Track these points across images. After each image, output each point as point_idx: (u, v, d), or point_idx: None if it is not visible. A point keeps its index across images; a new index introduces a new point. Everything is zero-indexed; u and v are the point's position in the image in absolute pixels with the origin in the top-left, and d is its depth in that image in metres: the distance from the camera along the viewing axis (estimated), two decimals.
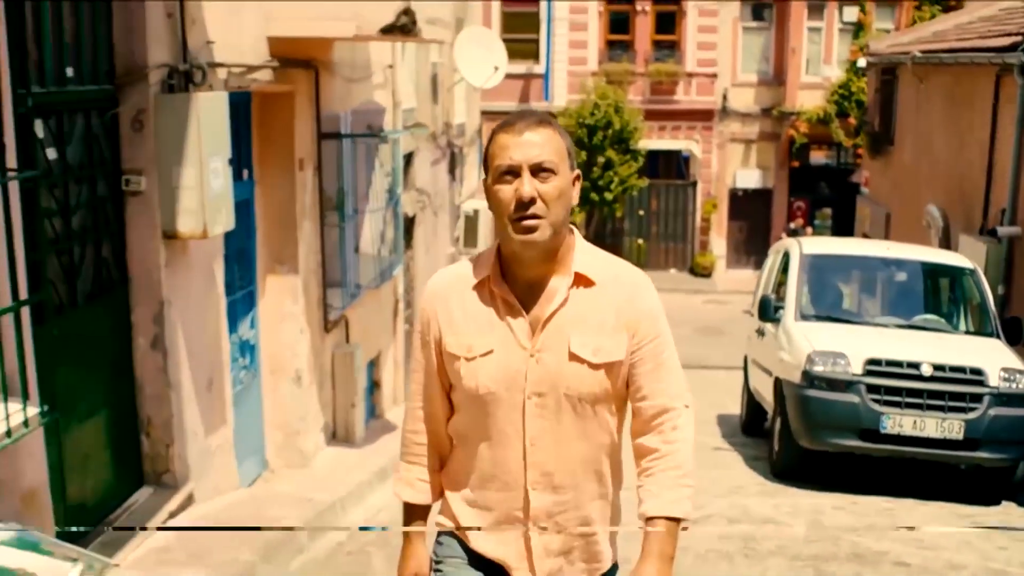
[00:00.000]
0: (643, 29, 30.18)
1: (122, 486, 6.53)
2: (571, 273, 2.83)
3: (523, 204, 2.72)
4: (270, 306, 9.14)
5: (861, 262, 10.69)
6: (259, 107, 8.80)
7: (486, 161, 2.82)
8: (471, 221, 17.80)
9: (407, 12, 8.29)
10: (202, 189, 6.48)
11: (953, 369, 8.71)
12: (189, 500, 6.92)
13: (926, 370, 8.67)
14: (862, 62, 21.92)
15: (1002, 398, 8.62)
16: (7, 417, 4.71)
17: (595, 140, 27.89)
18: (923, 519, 8.12)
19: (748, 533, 7.00)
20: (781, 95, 29.95)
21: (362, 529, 7.68)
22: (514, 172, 2.73)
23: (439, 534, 3.04)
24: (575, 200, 2.83)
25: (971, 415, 8.59)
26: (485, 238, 17.50)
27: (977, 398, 8.62)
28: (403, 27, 8.34)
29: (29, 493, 5.12)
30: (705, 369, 16.23)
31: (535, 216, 2.73)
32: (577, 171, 2.84)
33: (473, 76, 15.54)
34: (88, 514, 6.07)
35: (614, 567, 3.03)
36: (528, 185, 2.72)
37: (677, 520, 2.80)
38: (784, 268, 10.54)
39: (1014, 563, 6.92)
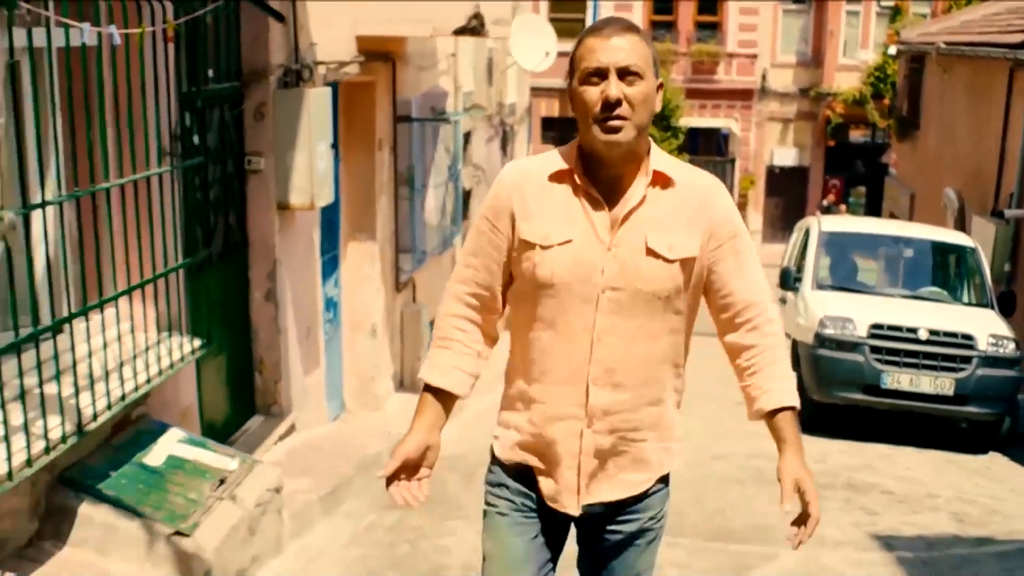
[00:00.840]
0: (686, 10, 31.22)
1: (240, 413, 7.88)
2: (650, 173, 2.89)
3: (609, 105, 2.76)
4: (351, 268, 10.46)
5: (874, 239, 11.96)
6: (345, 95, 10.09)
7: (572, 63, 2.86)
8: None
9: (477, 16, 9.58)
10: (311, 169, 7.80)
11: (946, 334, 9.97)
12: (291, 428, 8.28)
13: (923, 334, 9.94)
14: (892, 50, 22.94)
15: (989, 360, 9.87)
16: (170, 352, 6.06)
17: None
18: (916, 463, 9.38)
19: (760, 466, 8.30)
20: (819, 76, 30.96)
21: None
22: (601, 74, 2.77)
23: (492, 458, 3.09)
24: (658, 106, 2.88)
25: (961, 374, 9.86)
26: None
27: (967, 360, 9.88)
28: (473, 29, 9.64)
29: (184, 410, 6.48)
30: None
31: (620, 117, 2.77)
32: (661, 79, 2.89)
33: (526, 60, 16.76)
34: (217, 433, 7.44)
35: (665, 477, 3.08)
36: (615, 87, 2.76)
37: (793, 408, 2.96)
38: (805, 243, 11.80)
39: (984, 495, 8.19)
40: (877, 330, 10.01)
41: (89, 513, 4.97)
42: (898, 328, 10.00)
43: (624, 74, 2.75)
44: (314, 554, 6.02)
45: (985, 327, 10.19)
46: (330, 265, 9.98)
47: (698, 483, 7.66)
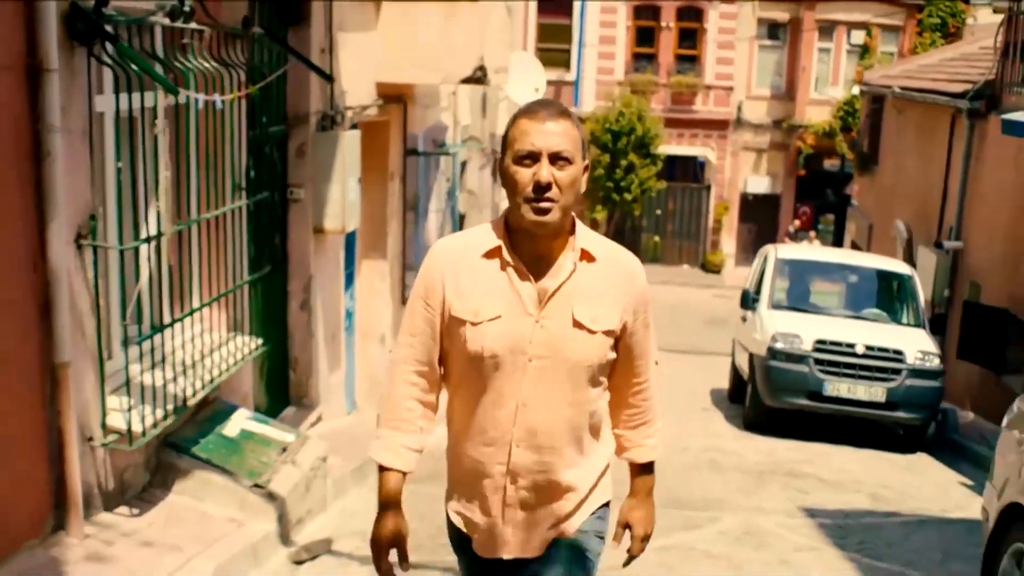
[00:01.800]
0: (667, 43, 32.81)
1: (279, 403, 9.34)
2: (577, 249, 3.05)
3: (540, 188, 2.90)
4: (364, 284, 11.94)
5: (823, 266, 13.58)
6: (364, 133, 11.51)
7: (505, 142, 3.00)
8: None
9: (481, 68, 11.12)
10: (343, 199, 9.31)
11: (880, 349, 11.55)
12: (319, 418, 9.74)
13: (860, 349, 11.52)
14: (856, 90, 24.61)
15: (916, 372, 11.45)
16: (239, 348, 7.53)
17: (619, 144, 30.48)
18: (851, 459, 10.92)
19: (713, 457, 9.83)
20: (791, 109, 32.58)
21: None
22: (534, 157, 2.91)
23: (448, 513, 3.31)
24: (584, 187, 3.03)
25: (891, 384, 11.43)
26: None
27: (897, 372, 11.45)
28: (478, 79, 11.18)
29: (244, 396, 7.95)
30: (709, 355, 18.91)
31: (550, 200, 2.91)
32: (587, 161, 3.04)
33: (518, 95, 18.36)
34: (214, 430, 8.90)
35: (601, 525, 3.28)
36: (546, 171, 2.90)
37: (652, 463, 3.31)
38: (763, 269, 13.36)
39: (903, 484, 9.74)
40: (821, 345, 11.58)
41: (188, 468, 6.45)
42: (838, 343, 11.58)
43: (555, 159, 2.90)
44: (350, 513, 7.49)
45: (915, 344, 11.77)
46: (347, 281, 11.46)
47: (663, 468, 9.13)
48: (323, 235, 9.47)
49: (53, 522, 5.36)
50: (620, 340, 3.11)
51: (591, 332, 3.02)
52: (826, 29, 32.10)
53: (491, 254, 3.04)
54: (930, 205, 16.69)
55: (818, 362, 11.54)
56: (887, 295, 13.28)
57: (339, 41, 9.58)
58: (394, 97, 11.74)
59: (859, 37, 32.07)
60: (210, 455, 6.60)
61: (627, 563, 3.29)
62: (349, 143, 9.38)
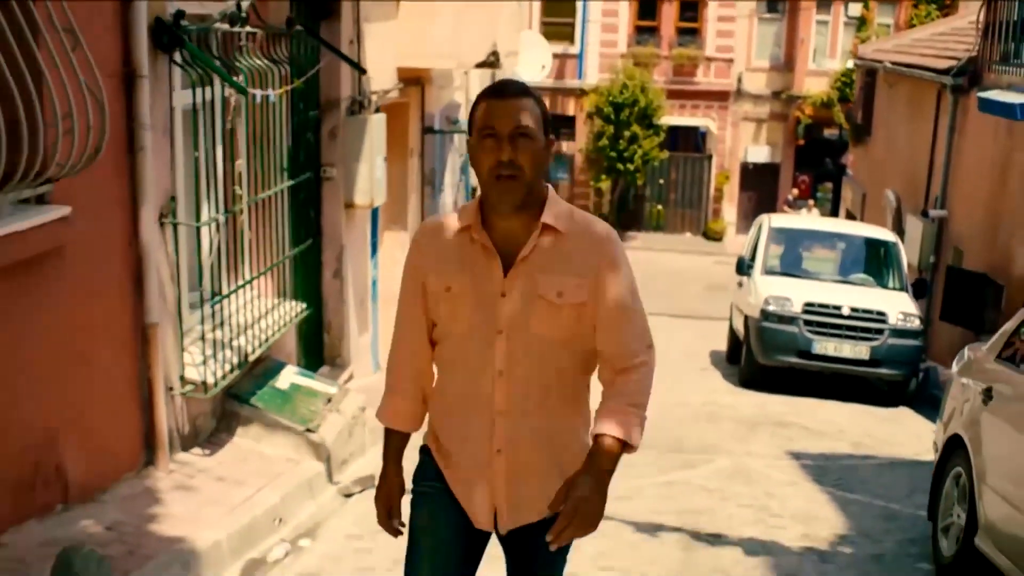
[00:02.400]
0: (668, 16, 33.57)
1: (315, 363, 10.28)
2: (540, 224, 3.10)
3: (501, 164, 2.98)
4: (386, 254, 12.86)
5: (814, 234, 14.53)
6: (386, 114, 12.51)
7: (471, 121, 3.09)
8: None
9: (494, 53, 12.01)
10: (371, 176, 10.22)
11: (864, 311, 12.50)
12: (351, 376, 10.70)
13: (845, 311, 12.48)
14: (850, 63, 25.43)
15: (897, 332, 12.41)
16: (286, 312, 8.46)
17: (622, 116, 31.27)
18: (837, 412, 11.88)
19: (710, 411, 10.80)
20: (790, 80, 33.36)
21: None
22: (495, 135, 2.98)
23: (421, 456, 3.34)
24: (549, 161, 3.09)
25: (875, 343, 12.39)
26: None
27: (879, 331, 12.41)
28: (490, 63, 12.06)
29: (288, 354, 8.91)
30: (709, 320, 19.83)
31: (512, 176, 2.98)
32: (552, 137, 3.10)
33: (526, 72, 19.25)
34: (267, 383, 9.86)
35: None
36: (507, 147, 2.97)
37: (621, 442, 3.01)
38: (758, 237, 14.29)
39: (883, 433, 10.70)
40: (809, 307, 12.53)
41: (249, 416, 7.41)
42: (826, 305, 12.54)
43: (515, 135, 2.97)
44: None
45: (897, 306, 12.73)
46: (371, 251, 12.40)
47: (665, 420, 10.12)
48: (353, 210, 10.38)
49: (144, 459, 6.32)
50: (597, 315, 3.12)
51: (556, 306, 3.08)
52: (824, 2, 32.83)
53: (463, 231, 3.15)
54: (918, 176, 17.58)
55: (807, 323, 12.50)
56: (873, 261, 14.21)
57: (365, 32, 10.47)
58: (413, 80, 12.63)
59: (856, 9, 32.83)
60: (266, 405, 7.56)
61: (550, 536, 2.98)
62: (376, 126, 10.29)
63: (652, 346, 3.16)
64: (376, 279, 12.65)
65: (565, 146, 33.32)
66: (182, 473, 6.45)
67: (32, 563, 4.77)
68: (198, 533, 5.58)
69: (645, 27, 33.68)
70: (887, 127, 20.80)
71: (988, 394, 5.65)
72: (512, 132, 2.98)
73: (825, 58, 32.97)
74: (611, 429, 3.01)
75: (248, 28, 7.27)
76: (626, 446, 3.02)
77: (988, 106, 12.27)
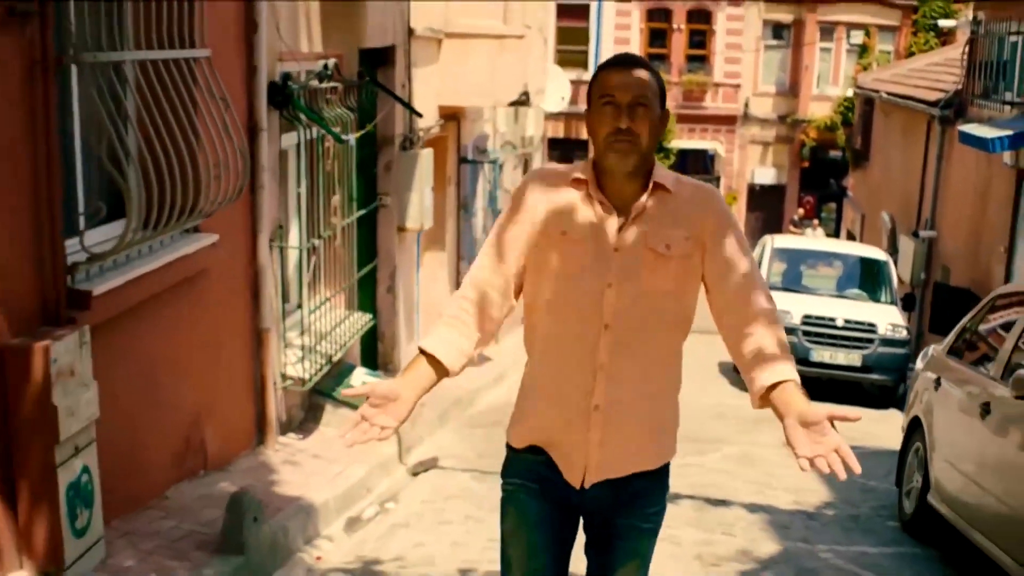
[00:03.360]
0: (678, 44, 35.02)
1: (370, 368, 11.75)
2: (651, 184, 3.19)
3: (619, 131, 3.09)
4: (427, 271, 14.29)
5: (813, 253, 15.97)
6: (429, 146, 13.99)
7: (590, 92, 3.19)
8: None
9: (525, 93, 13.47)
10: (421, 204, 11.67)
11: (856, 322, 13.94)
12: None
13: (840, 322, 13.91)
14: (850, 92, 26.89)
15: (886, 341, 13.83)
16: (356, 322, 9.90)
17: None
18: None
19: (721, 411, 12.21)
20: (795, 105, 34.79)
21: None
22: (614, 104, 3.09)
23: (506, 458, 3.39)
24: (662, 133, 3.19)
25: (866, 351, 13.81)
26: None
27: (870, 341, 13.84)
28: (522, 102, 13.53)
29: (354, 358, 10.36)
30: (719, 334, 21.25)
31: (629, 141, 3.09)
32: (667, 110, 3.21)
33: (548, 104, 20.74)
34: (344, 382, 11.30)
35: (663, 473, 3.38)
36: (625, 116, 3.08)
37: (790, 381, 3.11)
38: (762, 255, 15.73)
39: (871, 430, 12.11)
40: (807, 319, 13.96)
41: (331, 408, 8.84)
42: (822, 318, 13.97)
43: (634, 104, 3.08)
44: (442, 444, 9.87)
45: (886, 318, 14.16)
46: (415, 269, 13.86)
47: (681, 417, 11.55)
48: (404, 233, 11.84)
49: (256, 440, 7.77)
50: (708, 262, 3.20)
51: (665, 258, 3.16)
52: (827, 30, 34.25)
53: (578, 186, 3.23)
54: (910, 199, 19.02)
55: (805, 333, 13.92)
56: (866, 278, 15.64)
57: (413, 75, 11.95)
58: (450, 115, 14.10)
59: (858, 37, 34.24)
60: (346, 399, 9.00)
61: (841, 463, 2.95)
62: (425, 160, 11.75)
63: (772, 297, 3.26)
64: (419, 294, 14.10)
65: None
66: (285, 452, 7.88)
67: (193, 510, 6.20)
68: (310, 495, 7.01)
69: (656, 54, 35.05)
70: (883, 153, 22.24)
71: (938, 382, 7.06)
72: (631, 101, 3.09)
73: (828, 84, 34.41)
74: (785, 374, 3.12)
75: (332, 84, 8.75)
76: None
77: (966, 139, 13.70)
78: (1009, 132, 12.73)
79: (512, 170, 20.36)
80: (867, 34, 34.00)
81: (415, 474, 8.80)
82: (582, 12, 34.56)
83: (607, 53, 35.68)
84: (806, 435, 2.99)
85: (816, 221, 33.62)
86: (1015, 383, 5.48)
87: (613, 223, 3.18)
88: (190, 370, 6.65)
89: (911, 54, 30.99)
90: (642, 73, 3.14)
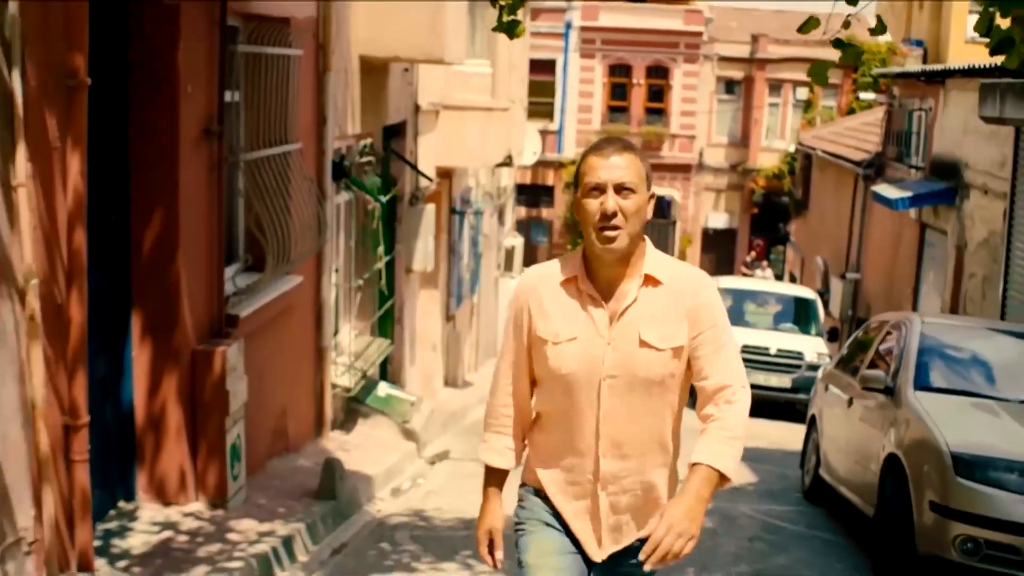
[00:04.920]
0: (638, 98, 37.68)
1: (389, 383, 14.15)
2: (642, 275, 3.30)
3: (606, 216, 3.18)
4: (422, 307, 16.71)
5: (752, 293, 18.57)
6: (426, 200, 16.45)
7: (576, 178, 3.30)
8: (509, 253, 25.44)
9: (509, 156, 16.00)
10: (425, 250, 14.14)
11: (787, 351, 16.51)
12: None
13: (773, 351, 16.48)
14: (791, 147, 29.70)
15: (812, 367, 16.39)
16: (380, 345, 12.31)
17: None
18: (768, 427, 15.79)
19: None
20: (745, 155, 37.59)
21: None
22: (600, 189, 3.20)
23: (521, 497, 3.56)
24: (649, 215, 3.27)
25: (795, 375, 16.38)
26: (518, 265, 25.09)
27: (798, 366, 16.40)
28: (505, 163, 16.06)
29: (373, 375, 12.77)
30: None
31: (616, 227, 3.19)
32: (652, 191, 3.30)
33: (523, 159, 23.34)
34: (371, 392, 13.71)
35: None
36: (612, 200, 3.18)
37: (719, 472, 3.18)
38: None
39: (798, 438, 14.64)
40: (746, 348, 16.51)
41: (365, 413, 11.27)
42: (758, 347, 16.53)
43: (620, 189, 3.19)
44: (445, 443, 12.27)
45: (813, 347, 16.75)
46: None
47: None
48: (411, 274, 14.31)
49: (315, 432, 10.16)
50: (693, 355, 3.31)
51: (659, 350, 3.26)
52: (775, 86, 37.17)
53: (569, 282, 3.34)
54: (840, 245, 21.71)
55: (744, 360, 16.37)
56: (798, 314, 18.26)
57: (419, 143, 14.45)
58: (444, 174, 16.59)
59: (803, 94, 37.13)
60: (375, 405, 11.42)
61: (644, 553, 3.11)
62: (429, 213, 14.23)
63: (747, 387, 3.35)
64: (415, 327, 16.52)
65: (544, 212, 37.34)
66: (335, 442, 10.29)
67: (288, 476, 8.59)
68: (363, 470, 9.42)
69: (617, 107, 37.76)
70: (819, 203, 24.99)
71: (827, 387, 9.60)
72: (617, 186, 3.18)
73: (776, 136, 37.28)
74: (707, 458, 3.19)
75: (369, 158, 11.24)
76: (722, 477, 3.19)
77: (877, 198, 16.36)
78: (910, 193, 15.40)
79: (489, 217, 22.89)
80: (811, 91, 36.85)
81: (432, 463, 11.22)
82: (549, 66, 37.17)
83: (572, 105, 38.51)
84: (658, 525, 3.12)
85: (765, 262, 36.35)
86: (860, 380, 8.03)
87: (604, 316, 3.30)
88: (281, 376, 9.06)
89: (851, 110, 33.87)
90: (629, 156, 3.25)
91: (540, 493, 3.49)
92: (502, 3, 5.53)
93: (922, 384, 7.45)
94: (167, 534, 6.64)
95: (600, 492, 3.36)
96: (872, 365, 8.34)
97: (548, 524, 3.46)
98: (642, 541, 3.18)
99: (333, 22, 9.72)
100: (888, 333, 8.59)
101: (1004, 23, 5.28)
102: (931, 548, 6.52)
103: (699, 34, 36.81)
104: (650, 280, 3.32)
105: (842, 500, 8.65)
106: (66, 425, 5.40)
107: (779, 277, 30.86)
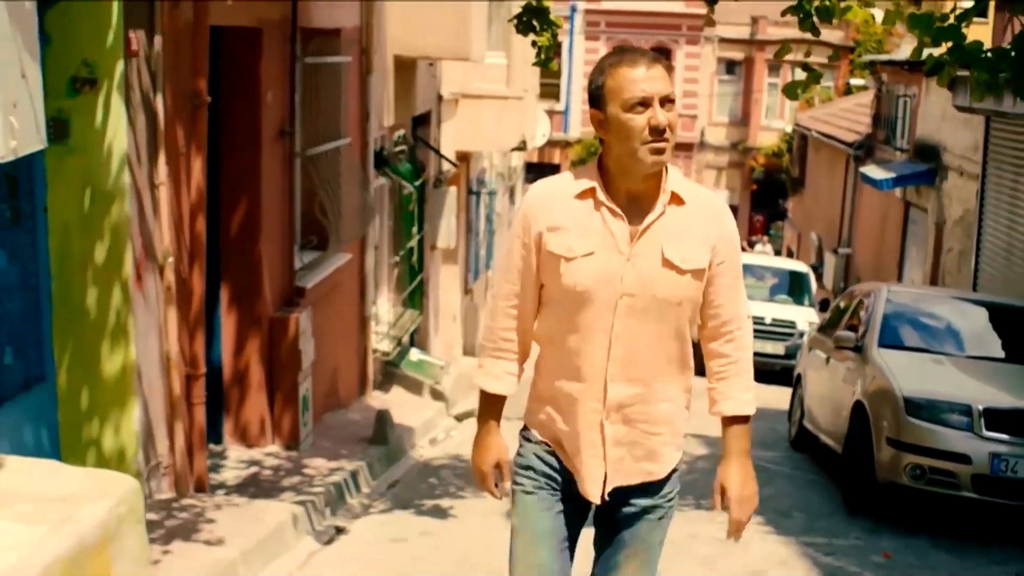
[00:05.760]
0: None
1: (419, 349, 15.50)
2: (668, 191, 3.15)
3: (658, 130, 3.04)
4: (444, 281, 18.02)
5: (749, 267, 19.82)
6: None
7: (608, 93, 3.09)
8: None
9: (523, 140, 17.31)
10: (448, 228, 15.46)
11: (781, 320, 17.83)
12: None
13: (768, 320, 17.80)
14: (789, 128, 30.98)
15: (804, 335, 17.69)
16: (412, 316, 13.65)
17: None
18: (761, 389, 17.13)
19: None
20: (746, 134, 38.87)
21: None
22: (646, 103, 3.04)
23: (521, 444, 3.41)
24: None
25: (788, 342, 17.70)
26: None
27: (791, 334, 17.73)
28: (520, 147, 17.37)
29: (404, 341, 14.12)
30: None
31: (667, 141, 3.07)
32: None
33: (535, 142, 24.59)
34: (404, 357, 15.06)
35: (674, 471, 3.33)
36: (661, 114, 3.04)
37: (748, 418, 3.29)
38: None
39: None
40: None
41: (400, 376, 12.62)
42: (754, 316, 17.79)
43: (664, 101, 3.07)
44: (470, 403, 13.62)
45: (805, 317, 18.07)
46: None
47: None
48: (435, 251, 15.64)
49: (359, 392, 11.51)
50: (708, 283, 3.21)
51: (680, 271, 3.14)
52: (774, 67, 38.34)
53: (585, 194, 3.18)
54: (833, 221, 23.03)
55: None
56: (792, 285, 19.58)
57: (441, 130, 15.77)
58: (463, 157, 17.89)
59: (802, 74, 38.26)
60: (408, 369, 12.78)
61: (731, 533, 3.30)
62: (451, 195, 15.55)
63: (751, 318, 3.36)
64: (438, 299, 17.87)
65: None
66: (377, 401, 11.64)
67: (342, 427, 9.93)
68: (405, 422, 10.77)
69: None
70: (814, 181, 26.29)
71: (811, 348, 10.94)
72: (662, 99, 3.07)
73: (775, 115, 38.53)
74: (738, 408, 3.30)
75: (404, 147, 12.56)
76: (749, 419, 3.29)
77: (865, 178, 17.66)
78: (894, 174, 16.72)
79: (502, 195, 24.22)
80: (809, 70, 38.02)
81: (460, 419, 12.57)
82: (555, 48, 38.34)
83: (577, 87, 39.69)
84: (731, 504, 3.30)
85: (765, 238, 37.68)
86: (835, 340, 9.38)
87: (625, 231, 3.15)
88: (334, 341, 10.39)
89: (848, 92, 35.08)
90: (661, 68, 3.13)
91: (541, 441, 3.36)
92: (539, 44, 6.88)
93: (885, 342, 8.81)
94: (253, 469, 7.99)
95: (605, 421, 3.22)
96: (847, 328, 9.67)
97: (541, 480, 3.34)
98: (643, 486, 3.27)
99: (375, 29, 11.02)
100: (860, 301, 9.93)
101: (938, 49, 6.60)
102: (887, 476, 7.90)
103: (700, 16, 37.92)
104: (675, 198, 3.20)
105: (821, 446, 9.99)
106: (188, 374, 6.75)
107: (778, 252, 32.19)
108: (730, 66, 39.46)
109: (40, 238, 5.70)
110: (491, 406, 3.41)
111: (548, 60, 7.22)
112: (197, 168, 6.54)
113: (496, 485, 3.43)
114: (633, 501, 3.30)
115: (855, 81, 25.35)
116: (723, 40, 38.81)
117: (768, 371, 18.09)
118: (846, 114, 26.00)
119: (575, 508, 3.37)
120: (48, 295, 5.77)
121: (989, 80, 6.18)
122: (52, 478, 4.53)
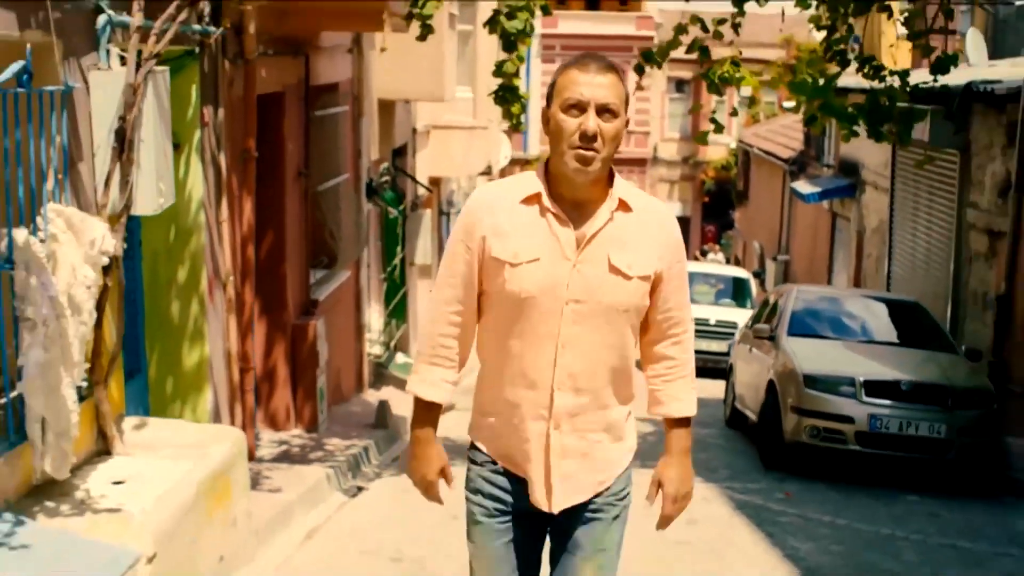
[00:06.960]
0: None
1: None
2: (615, 199, 3.14)
3: (586, 137, 3.02)
4: (422, 293, 19.94)
5: (697, 275, 21.92)
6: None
7: (552, 90, 3.12)
8: None
9: (489, 165, 19.27)
10: (424, 247, 17.38)
11: (724, 321, 19.86)
12: None
13: (712, 321, 19.82)
14: (733, 144, 33.17)
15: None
16: (396, 325, 15.57)
17: None
18: (706, 384, 19.13)
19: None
20: (695, 149, 41.04)
21: None
22: (581, 107, 3.03)
23: (469, 467, 3.45)
24: (622, 141, 3.12)
25: (729, 342, 19.68)
26: None
27: (731, 334, 19.71)
28: (486, 172, 19.33)
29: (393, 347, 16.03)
30: None
31: (594, 150, 3.03)
32: (628, 116, 3.13)
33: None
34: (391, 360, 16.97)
35: (626, 477, 3.34)
36: (592, 121, 3.02)
37: (690, 418, 3.38)
38: None
39: None
40: None
41: (389, 375, 14.52)
42: (700, 319, 19.88)
43: (601, 111, 3.03)
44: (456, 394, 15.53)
45: (745, 318, 20.05)
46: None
47: None
48: (413, 267, 17.57)
49: (356, 390, 13.41)
50: (654, 289, 3.21)
51: (627, 277, 3.13)
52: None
53: (530, 200, 3.15)
54: (773, 231, 25.16)
55: None
56: (735, 290, 21.64)
57: (416, 159, 17.73)
58: (434, 182, 19.83)
59: (747, 91, 40.54)
60: (396, 370, 14.69)
61: (660, 525, 3.36)
62: (427, 217, 17.50)
63: (693, 322, 3.44)
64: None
65: None
66: (373, 396, 13.53)
67: (346, 417, 11.82)
68: (398, 412, 12.67)
69: None
70: (757, 194, 28.45)
71: (740, 342, 12.97)
72: (600, 107, 3.04)
73: (723, 132, 40.65)
74: (681, 410, 3.37)
75: (387, 177, 14.50)
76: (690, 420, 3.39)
77: (795, 192, 19.76)
78: (819, 189, 18.83)
79: None
80: (754, 89, 40.27)
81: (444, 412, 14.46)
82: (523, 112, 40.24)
83: (535, 108, 41.65)
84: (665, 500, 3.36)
85: (717, 247, 39.82)
86: (754, 331, 11.46)
87: (571, 237, 3.12)
88: (338, 345, 12.27)
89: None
90: (613, 76, 3.09)
91: (487, 459, 3.37)
92: (513, 112, 8.87)
93: (793, 332, 10.88)
94: (284, 447, 9.88)
95: (552, 431, 3.21)
96: (766, 322, 11.71)
97: (490, 506, 3.36)
98: (593, 501, 3.28)
99: (364, 79, 12.97)
100: (778, 299, 11.98)
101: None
102: (792, 436, 9.97)
103: (650, 38, 40.12)
104: (623, 205, 3.19)
105: (750, 425, 12.01)
106: (241, 368, 8.64)
107: (729, 260, 34.30)
108: (679, 84, 41.66)
109: (137, 263, 7.60)
110: (427, 414, 3.44)
111: (519, 124, 9.43)
112: (247, 207, 8.45)
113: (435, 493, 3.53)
114: (588, 513, 3.32)
115: (787, 104, 27.44)
116: (672, 60, 40.79)
117: (713, 367, 20.14)
118: (785, 131, 28.12)
119: (531, 523, 3.36)
120: (142, 307, 7.66)
121: (849, 129, 8.23)
122: (182, 432, 6.48)
